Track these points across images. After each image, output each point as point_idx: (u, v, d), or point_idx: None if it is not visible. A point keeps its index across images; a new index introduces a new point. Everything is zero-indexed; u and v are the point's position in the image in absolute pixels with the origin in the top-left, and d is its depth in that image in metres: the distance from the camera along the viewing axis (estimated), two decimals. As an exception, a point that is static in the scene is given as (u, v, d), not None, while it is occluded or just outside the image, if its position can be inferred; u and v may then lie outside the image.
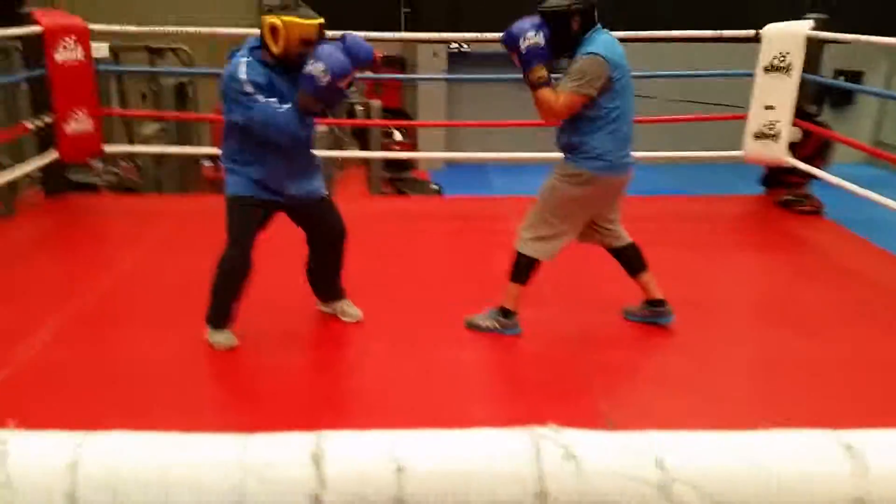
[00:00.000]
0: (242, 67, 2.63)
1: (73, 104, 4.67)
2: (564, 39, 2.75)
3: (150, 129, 5.81)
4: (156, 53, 7.36)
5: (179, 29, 5.22)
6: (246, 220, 2.84)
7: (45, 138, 4.71)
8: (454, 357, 2.96)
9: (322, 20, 2.67)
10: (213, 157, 7.78)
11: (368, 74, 10.49)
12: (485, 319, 3.11)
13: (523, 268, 2.99)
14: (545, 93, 2.75)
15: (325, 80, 2.55)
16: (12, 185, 4.56)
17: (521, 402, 2.68)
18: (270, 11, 2.64)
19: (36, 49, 4.58)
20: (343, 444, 1.01)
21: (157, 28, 5.24)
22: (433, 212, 5.28)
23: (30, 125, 4.57)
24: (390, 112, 10.19)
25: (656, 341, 3.16)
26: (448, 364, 2.92)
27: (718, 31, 5.14)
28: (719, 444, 1.06)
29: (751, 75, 4.98)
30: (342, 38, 2.70)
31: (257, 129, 2.65)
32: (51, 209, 4.73)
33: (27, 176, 4.76)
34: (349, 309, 3.24)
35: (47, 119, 4.61)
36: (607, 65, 2.69)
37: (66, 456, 0.94)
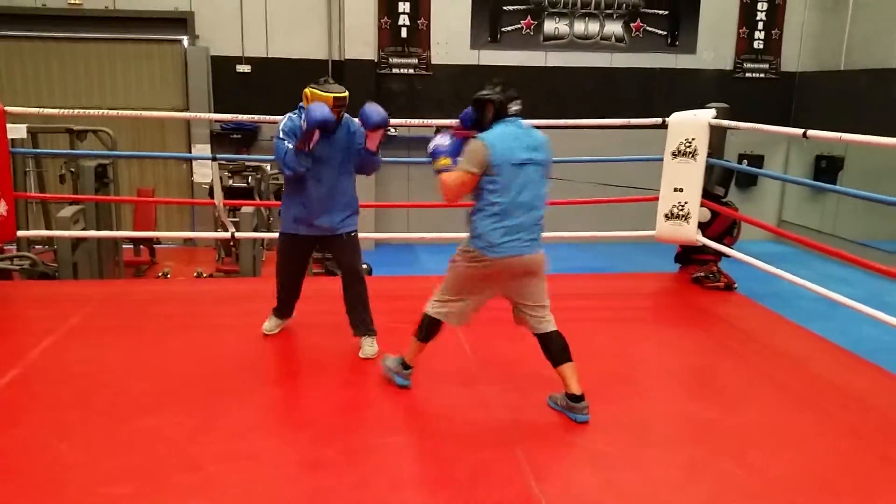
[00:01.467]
0: (285, 119, 3.60)
1: (-13, 188, 4.53)
2: (480, 123, 3.09)
3: (68, 211, 5.65)
4: (77, 136, 7.25)
5: (99, 111, 5.19)
6: (286, 250, 3.80)
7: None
8: (381, 442, 2.93)
9: (340, 94, 3.50)
10: (134, 241, 7.63)
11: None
12: (392, 361, 3.40)
13: (424, 327, 3.25)
14: (442, 175, 3.08)
15: (304, 126, 3.41)
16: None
17: (454, 488, 2.65)
18: (313, 84, 3.54)
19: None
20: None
21: (73, 109, 5.19)
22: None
23: (-62, 209, 4.39)
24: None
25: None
26: (376, 449, 2.87)
27: (628, 120, 5.48)
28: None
29: (660, 160, 5.30)
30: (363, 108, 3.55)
31: (277, 161, 3.56)
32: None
33: None
34: (366, 347, 3.77)
35: (-43, 203, 4.45)
36: (487, 150, 2.94)
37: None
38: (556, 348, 3.14)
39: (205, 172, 8.67)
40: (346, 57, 10.63)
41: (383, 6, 10.75)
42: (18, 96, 9.87)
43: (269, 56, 10.77)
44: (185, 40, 10.59)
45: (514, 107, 3.07)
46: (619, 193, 8.50)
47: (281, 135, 3.53)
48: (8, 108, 4.73)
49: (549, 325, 3.16)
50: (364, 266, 7.12)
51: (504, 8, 10.95)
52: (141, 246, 7.64)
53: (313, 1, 10.78)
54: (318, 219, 3.65)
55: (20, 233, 4.94)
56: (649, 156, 5.88)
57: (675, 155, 5.17)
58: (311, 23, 10.81)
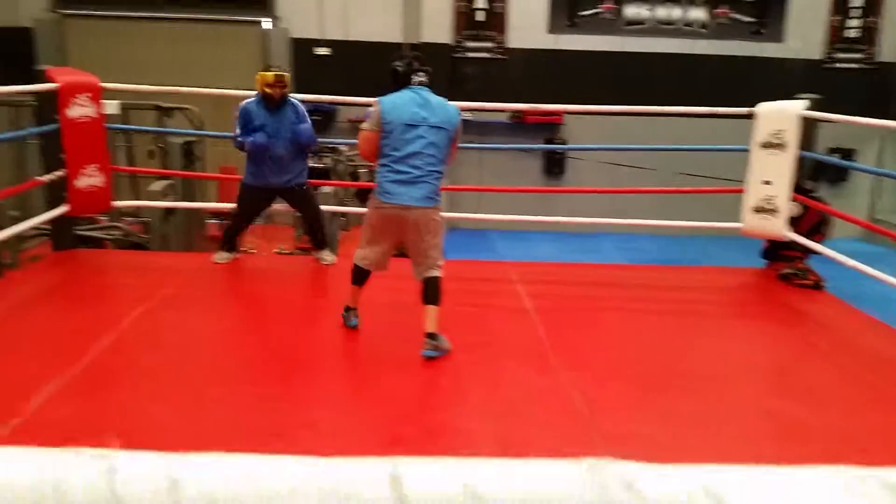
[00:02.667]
0: (242, 105, 4.59)
1: (85, 160, 4.75)
2: (393, 89, 3.53)
3: (157, 185, 5.88)
4: (165, 113, 7.51)
5: (187, 89, 5.36)
6: (246, 197, 4.81)
7: (55, 193, 4.76)
8: (458, 425, 2.95)
9: (279, 73, 4.46)
10: (217, 215, 7.87)
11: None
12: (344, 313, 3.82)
13: (354, 272, 3.73)
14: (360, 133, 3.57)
15: (247, 146, 4.53)
16: (20, 238, 4.58)
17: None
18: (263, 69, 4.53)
19: (49, 105, 4.68)
20: (420, 471, 1.02)
21: (165, 87, 5.37)
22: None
23: (42, 179, 4.62)
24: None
25: (658, 407, 3.14)
26: (454, 431, 2.90)
27: (714, 108, 5.31)
28: (774, 478, 1.06)
29: (746, 150, 5.12)
30: (301, 125, 4.64)
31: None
32: (57, 263, 4.74)
33: (35, 229, 4.78)
34: (325, 256, 4.96)
35: (59, 173, 4.68)
36: (380, 110, 3.43)
37: (166, 476, 0.95)
38: (430, 292, 3.56)
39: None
40: (423, 40, 10.65)
41: (461, -10, 10.72)
42: (110, 73, 10.28)
43: (348, 39, 10.88)
44: (267, 22, 10.82)
45: (418, 77, 3.49)
46: (698, 184, 8.27)
47: (237, 122, 4.52)
48: (104, 84, 4.92)
49: (433, 273, 3.57)
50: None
51: (584, -8, 10.76)
52: (225, 221, 7.87)
53: (392, -15, 10.84)
54: (272, 179, 4.62)
55: (114, 203, 5.16)
56: (731, 146, 5.70)
57: (763, 146, 4.99)
58: (388, 6, 10.86)
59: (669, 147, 7.12)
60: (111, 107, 5.80)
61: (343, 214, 6.89)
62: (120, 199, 5.80)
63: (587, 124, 10.74)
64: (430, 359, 3.46)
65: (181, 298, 4.19)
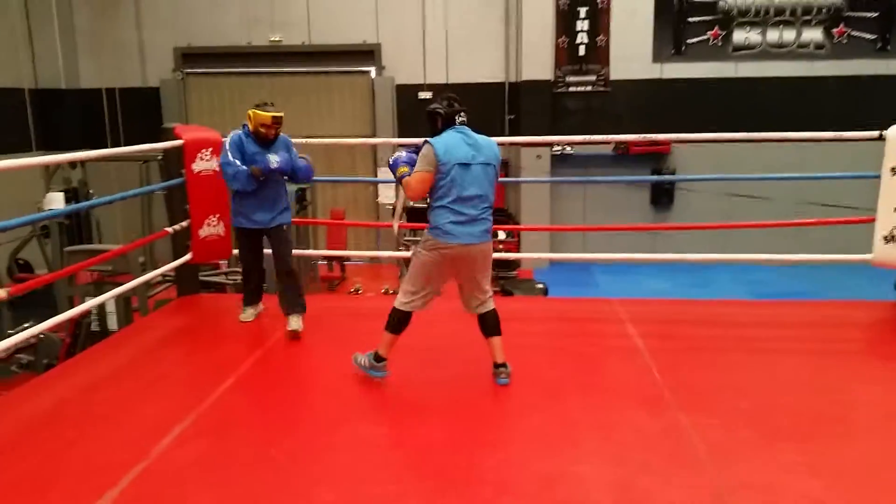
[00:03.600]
0: (229, 139, 4.35)
1: (208, 210, 5.03)
2: (432, 131, 3.55)
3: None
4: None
5: (300, 140, 5.59)
6: (245, 243, 4.58)
7: (180, 242, 5.07)
8: (568, 470, 2.85)
9: (277, 114, 4.29)
10: (328, 259, 8.15)
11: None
12: (362, 357, 3.72)
13: (394, 319, 3.64)
14: (405, 179, 3.53)
15: (259, 167, 4.26)
16: (148, 284, 4.90)
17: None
18: (255, 107, 4.31)
19: (176, 160, 5.01)
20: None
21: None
22: (535, 312, 5.20)
23: (170, 230, 4.94)
24: (496, 213, 10.38)
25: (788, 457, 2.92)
26: (563, 478, 2.81)
27: (839, 133, 5.00)
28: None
29: (876, 177, 4.77)
30: (300, 164, 4.52)
31: (224, 176, 4.33)
32: (182, 307, 5.03)
33: (162, 276, 5.10)
34: (293, 322, 4.37)
35: (183, 224, 4.98)
36: (434, 152, 3.40)
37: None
38: (491, 323, 3.67)
39: (388, 194, 9.11)
40: (523, 78, 10.73)
41: (561, 26, 10.74)
42: (228, 126, 10.94)
43: (449, 82, 11.13)
44: (373, 71, 11.23)
45: (461, 118, 3.53)
46: (821, 213, 7.79)
47: (229, 156, 4.26)
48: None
49: (487, 307, 3.67)
50: (539, 285, 7.05)
51: (689, 19, 10.53)
52: (333, 262, 8.16)
53: (491, 27, 11.01)
54: (255, 215, 4.40)
55: (234, 251, 5.42)
56: (856, 173, 5.34)
57: (895, 172, 4.63)
58: (488, 48, 11.04)
59: (796, 176, 6.77)
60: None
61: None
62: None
63: (697, 153, 10.42)
64: (505, 385, 3.60)
65: (296, 341, 4.32)
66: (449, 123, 3.52)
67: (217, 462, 2.92)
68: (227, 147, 4.30)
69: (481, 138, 3.57)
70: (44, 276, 4.97)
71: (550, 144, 10.42)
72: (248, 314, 4.70)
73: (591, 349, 4.20)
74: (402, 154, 3.63)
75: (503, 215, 10.81)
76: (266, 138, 4.33)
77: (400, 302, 3.65)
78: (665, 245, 9.93)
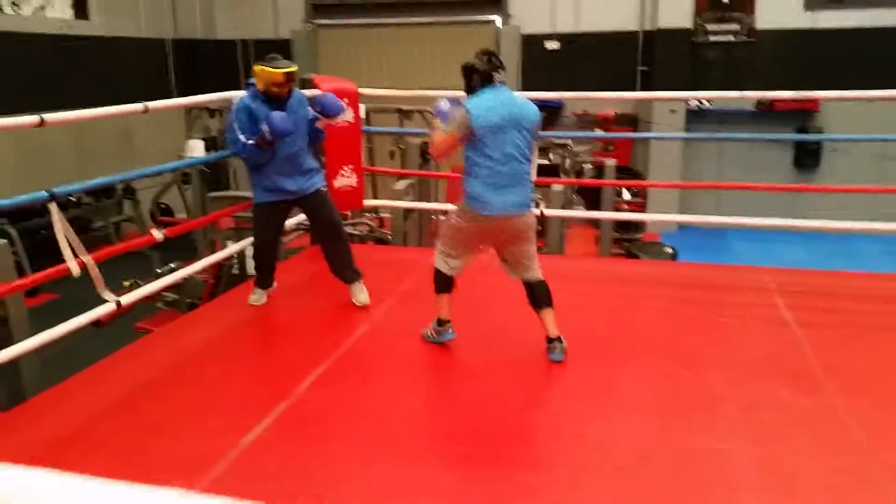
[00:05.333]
0: (235, 105, 3.89)
1: (342, 161, 5.11)
2: (468, 89, 3.33)
3: (400, 185, 6.20)
4: (405, 115, 7.91)
5: (424, 93, 5.56)
6: (264, 219, 4.07)
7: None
8: (712, 447, 2.71)
9: (289, 69, 3.77)
10: (446, 213, 8.15)
11: (599, 133, 10.54)
12: (427, 330, 3.59)
13: (439, 280, 3.51)
14: (433, 134, 3.43)
15: (268, 134, 3.71)
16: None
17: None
18: (261, 61, 3.79)
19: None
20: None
21: (405, 92, 5.62)
22: (665, 277, 4.94)
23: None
24: (621, 171, 10.01)
25: None
26: (706, 453, 2.68)
27: None
28: None
29: None
30: (321, 97, 4.00)
31: (231, 148, 3.96)
32: (315, 256, 5.17)
33: (297, 225, 5.26)
34: (358, 294, 4.08)
35: (319, 174, 5.09)
36: (468, 117, 3.18)
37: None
38: (541, 295, 3.39)
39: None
40: (659, 26, 10.15)
41: (703, -30, 10.04)
42: (355, 77, 11.12)
43: (579, 31, 10.71)
44: (498, 20, 10.98)
45: (499, 76, 3.27)
46: None
47: (236, 125, 3.81)
48: (361, 90, 5.26)
49: (536, 274, 3.40)
50: (668, 249, 6.64)
51: (851, -39, 9.55)
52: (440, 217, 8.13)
53: (628, -28, 10.45)
54: (286, 184, 3.93)
55: (365, 202, 5.51)
56: None
57: None
58: (624, -7, 10.49)
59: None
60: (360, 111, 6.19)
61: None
62: (365, 198, 6.21)
63: (849, 111, 9.54)
64: (559, 362, 3.37)
65: (423, 292, 4.35)
66: (487, 81, 3.26)
67: (354, 405, 3.01)
68: (233, 119, 3.84)
69: (520, 99, 3.34)
70: (192, 221, 5.26)
71: (683, 99, 9.86)
72: (261, 297, 4.23)
73: (733, 319, 3.96)
74: (446, 106, 3.40)
75: (629, 174, 10.40)
76: (279, 97, 3.83)
77: (439, 262, 3.50)
78: (808, 211, 9.24)
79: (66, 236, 3.03)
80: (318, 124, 4.10)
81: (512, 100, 3.28)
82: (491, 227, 3.31)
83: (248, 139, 3.78)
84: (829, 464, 2.59)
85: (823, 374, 3.26)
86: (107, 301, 3.37)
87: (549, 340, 3.39)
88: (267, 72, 3.76)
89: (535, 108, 3.33)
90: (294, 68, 3.82)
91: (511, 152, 3.22)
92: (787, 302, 4.11)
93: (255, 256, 4.20)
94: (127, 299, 3.41)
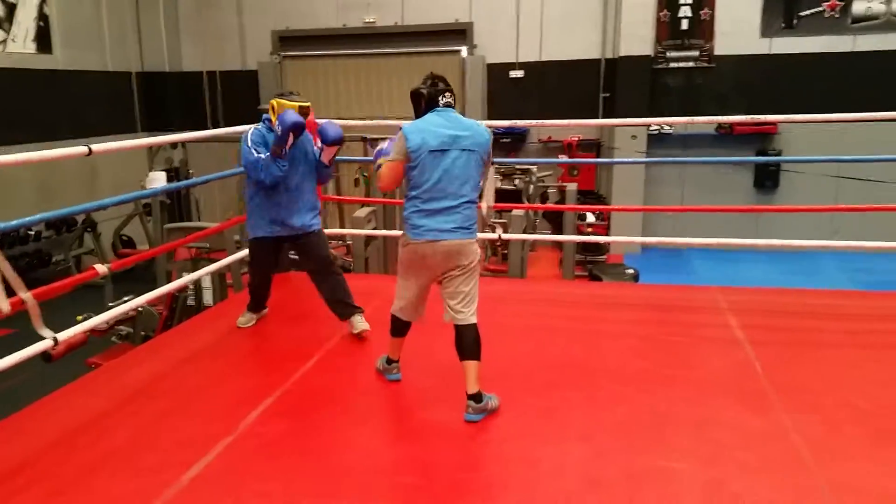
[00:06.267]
0: (251, 131, 3.93)
1: (298, 190, 5.08)
2: (416, 114, 3.26)
3: (362, 212, 6.20)
4: (370, 143, 7.94)
5: (386, 122, 5.58)
6: (262, 252, 4.12)
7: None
8: (663, 466, 2.70)
9: (304, 103, 3.86)
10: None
11: (563, 159, 10.66)
12: (379, 362, 3.55)
13: (392, 324, 3.44)
14: (379, 170, 3.28)
15: (278, 129, 3.72)
16: (242, 261, 5.02)
17: None
18: (278, 96, 3.91)
19: (270, 141, 5.07)
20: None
21: (368, 121, 5.64)
22: (624, 299, 4.96)
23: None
24: (585, 195, 10.12)
25: None
26: (658, 473, 2.66)
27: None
28: None
29: None
30: (319, 125, 3.91)
31: (248, 171, 3.88)
32: (274, 285, 5.11)
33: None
34: (357, 323, 4.06)
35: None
36: (405, 139, 3.10)
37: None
38: (466, 344, 3.12)
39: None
40: (620, 54, 10.34)
41: (663, -1, 10.27)
42: (321, 108, 11.18)
43: (542, 59, 10.87)
44: (464, 50, 11.12)
45: (445, 99, 3.20)
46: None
47: (250, 146, 3.84)
48: (318, 121, 5.25)
49: (468, 319, 3.14)
50: (630, 271, 6.68)
51: (802, -10, 9.84)
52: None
53: (589, 1, 10.66)
54: (290, 219, 3.99)
55: (331, 230, 5.48)
56: None
57: None
58: (585, 22, 10.71)
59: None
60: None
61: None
62: (328, 226, 6.19)
63: (806, 134, 9.78)
64: (473, 422, 3.03)
65: (380, 320, 4.31)
66: (432, 105, 3.19)
67: (300, 439, 2.94)
68: (248, 139, 3.87)
69: (467, 122, 3.21)
70: (144, 252, 5.19)
71: (647, 125, 10.02)
72: (250, 319, 4.32)
73: (686, 339, 3.98)
74: (386, 144, 3.34)
75: (593, 197, 10.51)
76: None
77: (393, 305, 3.40)
78: (768, 230, 9.38)
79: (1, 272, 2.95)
80: (323, 156, 4.01)
81: (457, 122, 3.17)
82: (424, 253, 3.14)
83: (264, 154, 3.83)
84: (775, 482, 2.59)
85: (773, 393, 3.27)
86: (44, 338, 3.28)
87: (467, 396, 3.08)
88: (283, 104, 3.85)
89: (485, 131, 3.22)
90: (308, 103, 3.90)
91: (450, 175, 3.09)
92: (740, 321, 4.15)
93: (251, 288, 4.31)
94: (65, 335, 3.32)
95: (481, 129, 3.21)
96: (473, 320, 3.15)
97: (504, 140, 10.98)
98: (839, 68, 9.80)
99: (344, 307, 4.10)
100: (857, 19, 9.72)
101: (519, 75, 10.98)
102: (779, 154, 10.09)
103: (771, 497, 2.51)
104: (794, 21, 9.91)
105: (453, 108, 3.23)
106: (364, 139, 8.06)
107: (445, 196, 3.10)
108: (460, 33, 11.11)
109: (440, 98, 3.19)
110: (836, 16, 9.77)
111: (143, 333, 5.23)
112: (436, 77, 3.25)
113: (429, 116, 3.18)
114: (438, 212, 3.10)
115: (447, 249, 3.11)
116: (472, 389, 3.07)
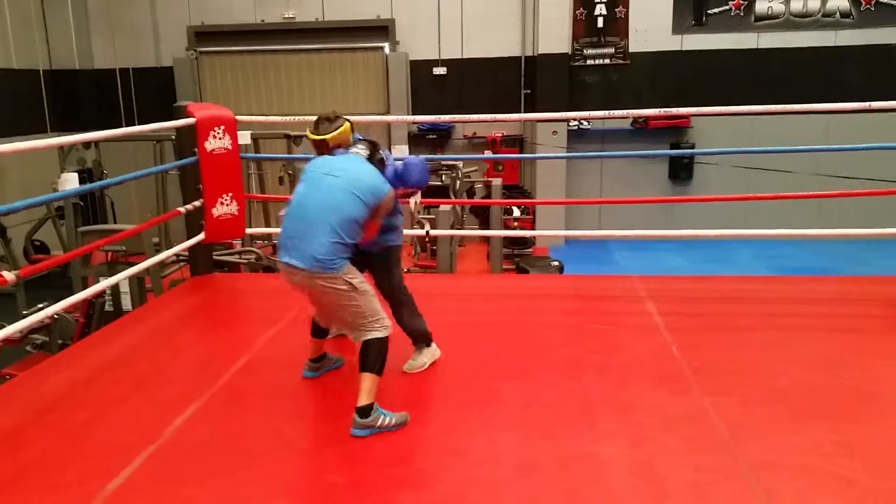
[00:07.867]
0: (373, 168, 3.36)
1: (221, 189, 4.97)
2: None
3: (283, 210, 6.10)
4: (293, 140, 7.83)
5: (312, 118, 5.50)
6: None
7: (193, 221, 5.02)
8: (594, 450, 2.79)
9: (322, 137, 3.30)
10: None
11: (488, 154, 10.79)
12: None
13: (312, 326, 3.50)
14: None
15: (401, 183, 3.40)
16: (162, 264, 4.87)
17: (669, 505, 2.45)
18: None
19: (189, 139, 4.94)
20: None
21: (291, 118, 5.54)
22: (550, 290, 5.10)
23: (182, 210, 4.89)
24: (510, 189, 10.29)
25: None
26: (589, 457, 2.75)
27: (868, 104, 4.82)
28: None
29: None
30: (401, 164, 3.43)
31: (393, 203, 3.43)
32: (196, 287, 4.99)
33: (175, 256, 5.06)
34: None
35: (197, 203, 4.93)
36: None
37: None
38: (362, 357, 3.04)
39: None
40: (539, 52, 10.54)
41: (579, -2, 10.53)
42: (241, 104, 10.94)
43: (464, 57, 10.97)
44: (387, 47, 11.08)
45: (355, 148, 3.26)
46: (843, 187, 7.60)
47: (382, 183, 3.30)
48: (238, 117, 5.14)
49: (361, 336, 3.07)
50: (555, 263, 6.81)
51: (710, -11, 10.27)
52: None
53: (508, 0, 10.82)
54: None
55: (248, 230, 5.37)
56: (882, 144, 5.18)
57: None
58: (504, 21, 10.86)
59: (817, 148, 6.59)
60: (242, 137, 6.06)
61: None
62: (252, 225, 6.08)
63: (717, 127, 10.22)
64: (359, 437, 2.91)
65: (306, 321, 4.28)
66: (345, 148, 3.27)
67: (226, 444, 2.89)
68: (379, 177, 3.27)
69: (362, 168, 3.13)
70: (57, 257, 4.97)
71: (567, 120, 10.26)
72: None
73: (608, 327, 4.11)
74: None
75: (518, 192, 10.69)
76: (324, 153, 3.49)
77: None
78: (684, 221, 9.77)
79: None
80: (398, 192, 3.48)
81: (348, 162, 3.15)
82: (286, 275, 3.09)
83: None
84: (696, 462, 2.70)
85: (692, 375, 3.41)
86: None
87: (355, 409, 2.95)
88: (308, 136, 3.45)
89: (380, 184, 3.12)
90: (323, 136, 3.30)
91: (314, 201, 3.01)
92: (658, 308, 4.31)
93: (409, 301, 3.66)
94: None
95: (375, 181, 3.12)
96: (377, 334, 3.06)
97: (430, 137, 11.02)
98: (746, 64, 10.28)
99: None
100: (760, 17, 10.22)
101: (442, 72, 11.04)
102: (692, 147, 10.51)
103: (694, 477, 2.61)
104: (704, 18, 10.34)
105: (359, 154, 3.24)
106: (287, 136, 7.95)
107: (304, 220, 3.02)
108: (382, 30, 11.08)
109: (354, 146, 3.29)
110: (742, 14, 10.25)
111: (60, 342, 5.00)
112: (364, 139, 3.35)
113: (325, 155, 3.24)
114: (295, 235, 3.04)
115: (300, 280, 3.06)
116: (363, 401, 2.95)
